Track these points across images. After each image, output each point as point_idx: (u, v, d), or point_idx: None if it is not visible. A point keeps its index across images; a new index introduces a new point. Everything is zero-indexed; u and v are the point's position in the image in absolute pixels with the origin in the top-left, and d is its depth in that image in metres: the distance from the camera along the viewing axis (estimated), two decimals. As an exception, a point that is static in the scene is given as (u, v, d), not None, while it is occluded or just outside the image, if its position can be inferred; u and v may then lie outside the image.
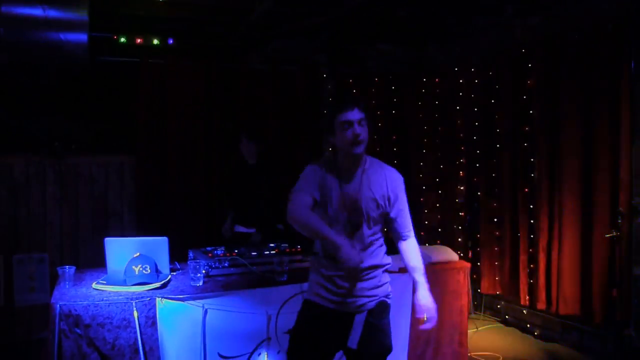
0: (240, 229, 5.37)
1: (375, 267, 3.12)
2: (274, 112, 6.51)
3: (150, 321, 3.52)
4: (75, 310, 3.41)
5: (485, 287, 6.30)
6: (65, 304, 3.41)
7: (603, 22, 4.90)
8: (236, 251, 4.07)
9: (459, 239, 6.69)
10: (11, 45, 4.77)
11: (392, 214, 3.14)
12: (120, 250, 3.81)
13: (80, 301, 3.45)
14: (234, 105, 6.37)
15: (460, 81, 6.61)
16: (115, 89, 5.88)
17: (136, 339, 3.50)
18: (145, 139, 6.01)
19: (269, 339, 3.74)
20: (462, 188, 6.68)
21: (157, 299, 3.52)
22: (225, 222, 5.46)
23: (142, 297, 3.53)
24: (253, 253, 4.11)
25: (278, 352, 3.79)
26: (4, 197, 5.49)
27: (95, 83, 5.74)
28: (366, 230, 3.06)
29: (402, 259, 3.31)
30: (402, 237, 3.26)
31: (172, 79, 6.04)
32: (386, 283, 3.19)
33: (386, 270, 3.23)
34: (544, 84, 5.49)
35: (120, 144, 6.00)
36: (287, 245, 4.36)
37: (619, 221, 4.72)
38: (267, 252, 4.19)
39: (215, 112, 6.28)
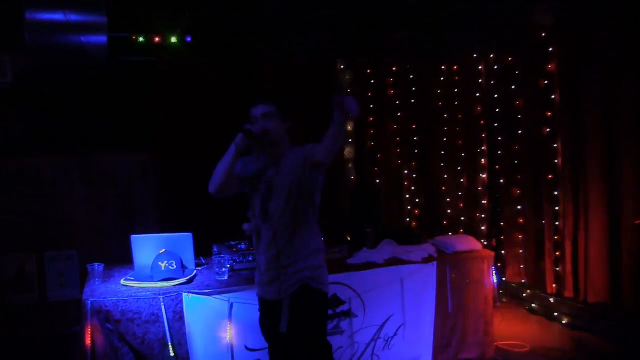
0: None
1: (300, 249, 3.11)
2: (293, 105, 6.52)
3: (177, 316, 3.60)
4: (106, 307, 3.49)
5: (510, 275, 6.28)
6: (96, 301, 3.50)
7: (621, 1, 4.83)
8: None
9: (482, 228, 6.67)
10: (35, 49, 4.89)
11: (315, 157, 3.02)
12: (147, 247, 3.88)
13: (110, 297, 3.53)
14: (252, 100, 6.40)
15: (479, 68, 6.56)
16: (136, 88, 5.95)
17: (165, 333, 3.57)
18: (166, 136, 6.09)
19: (294, 331, 3.79)
20: (484, 176, 6.64)
21: (184, 294, 3.59)
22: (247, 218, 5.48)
23: (169, 293, 3.60)
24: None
25: (304, 344, 3.84)
26: (33, 197, 5.60)
27: (116, 82, 5.81)
28: (284, 217, 3.10)
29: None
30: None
31: (190, 76, 6.10)
32: (312, 267, 3.11)
33: (318, 251, 3.18)
34: (565, 68, 5.43)
35: (143, 141, 6.07)
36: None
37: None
38: (291, 245, 4.23)
39: (233, 108, 6.32)
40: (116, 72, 5.69)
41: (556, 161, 5.57)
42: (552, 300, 5.68)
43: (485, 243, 6.41)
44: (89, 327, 3.48)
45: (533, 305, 5.95)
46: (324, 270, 3.17)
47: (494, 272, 4.73)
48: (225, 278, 3.79)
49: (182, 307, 3.59)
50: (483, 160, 6.63)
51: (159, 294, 3.58)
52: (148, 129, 6.06)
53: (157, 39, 5.78)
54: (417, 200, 7.21)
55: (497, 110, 6.34)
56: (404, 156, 7.11)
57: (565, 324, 5.50)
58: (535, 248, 5.91)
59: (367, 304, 4.08)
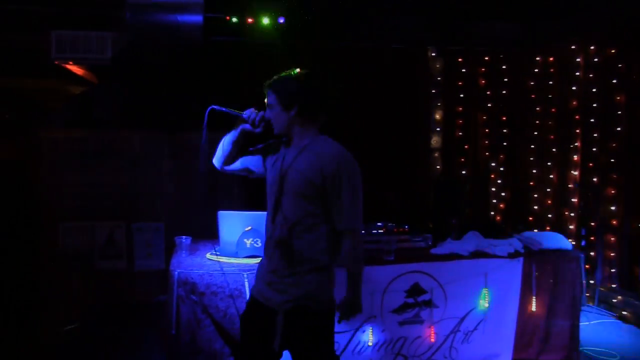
0: None
1: (300, 261, 2.71)
2: (379, 91, 6.46)
3: (260, 293, 3.65)
4: (192, 278, 3.59)
5: (599, 279, 5.99)
6: (182, 272, 3.60)
7: None
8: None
9: (571, 227, 6.40)
10: (135, 28, 5.09)
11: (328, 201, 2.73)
12: (233, 223, 3.95)
13: (197, 270, 3.63)
14: (339, 84, 6.39)
15: (578, 60, 6.26)
16: (227, 68, 6.06)
17: (247, 309, 3.63)
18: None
19: (374, 316, 3.78)
20: (575, 173, 6.36)
21: (267, 272, 3.63)
22: None
23: (253, 269, 3.64)
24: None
25: (383, 330, 3.83)
26: (125, 169, 5.83)
27: (208, 62, 5.93)
28: (292, 213, 2.72)
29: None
30: (336, 230, 2.77)
31: (281, 57, 6.13)
32: (314, 284, 2.71)
33: (320, 270, 2.73)
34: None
35: (231, 120, 6.17)
36: (394, 224, 4.36)
37: None
38: (375, 231, 4.21)
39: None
40: (209, 51, 5.81)
41: (658, 161, 5.27)
42: (645, 308, 5.39)
43: (574, 243, 6.15)
44: (175, 296, 3.59)
45: (624, 312, 5.64)
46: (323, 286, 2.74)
47: (583, 274, 4.53)
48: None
49: (264, 285, 3.64)
50: (575, 156, 6.35)
51: (243, 270, 3.64)
52: (236, 107, 6.14)
53: (249, 20, 5.84)
54: (503, 194, 7.01)
55: (595, 105, 6.04)
56: (491, 148, 6.92)
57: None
58: (630, 252, 5.62)
59: (449, 295, 4.00)
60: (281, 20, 5.92)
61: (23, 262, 5.70)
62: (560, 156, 6.61)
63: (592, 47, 6.08)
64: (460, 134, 6.84)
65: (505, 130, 6.96)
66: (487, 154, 6.93)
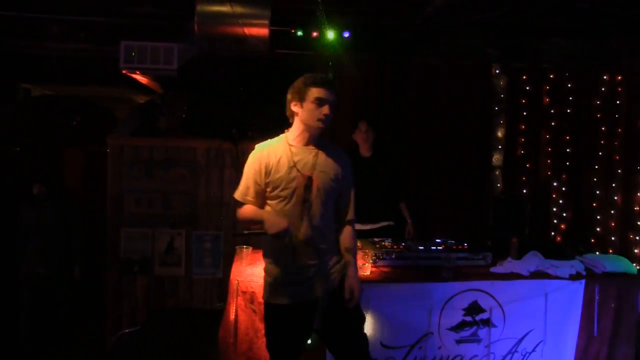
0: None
1: (329, 249, 3.10)
2: (442, 106, 6.43)
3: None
4: (251, 288, 3.65)
5: (664, 304, 5.79)
6: (242, 281, 3.67)
7: None
8: (403, 244, 4.11)
9: (635, 250, 6.21)
10: (202, 39, 5.24)
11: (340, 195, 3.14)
12: (292, 235, 4.00)
13: (256, 280, 3.68)
14: (402, 98, 6.40)
15: (649, 79, 6.10)
16: (292, 81, 6.13)
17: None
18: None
19: (431, 333, 3.76)
20: (641, 195, 6.18)
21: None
22: None
23: (311, 281, 3.68)
24: (420, 247, 4.14)
25: (439, 348, 3.79)
26: (187, 178, 5.97)
27: (273, 74, 6.02)
28: (320, 209, 3.02)
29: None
30: (342, 221, 3.19)
31: (345, 71, 6.19)
32: (340, 264, 3.14)
33: (338, 252, 3.20)
34: None
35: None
36: (454, 242, 4.33)
37: None
38: (434, 248, 4.20)
39: (384, 105, 6.35)
40: (274, 64, 5.91)
41: None
42: None
43: (638, 267, 5.95)
44: (234, 305, 3.66)
45: (688, 340, 5.44)
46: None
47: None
48: (367, 273, 3.83)
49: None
50: (642, 178, 6.17)
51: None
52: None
53: (314, 34, 5.91)
54: (565, 214, 6.84)
55: (663, 125, 5.87)
56: (554, 167, 6.76)
57: None
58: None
59: (508, 315, 3.94)
60: (346, 35, 5.97)
61: (88, 266, 5.92)
62: (625, 177, 6.42)
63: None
64: (522, 152, 6.71)
65: (568, 150, 6.80)
66: (549, 173, 6.78)
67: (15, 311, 5.72)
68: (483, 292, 3.88)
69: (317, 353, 3.53)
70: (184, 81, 6.10)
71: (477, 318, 3.88)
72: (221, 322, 3.73)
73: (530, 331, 4.03)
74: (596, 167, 6.76)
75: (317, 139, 3.12)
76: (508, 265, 4.13)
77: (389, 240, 4.27)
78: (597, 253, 5.69)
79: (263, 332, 3.65)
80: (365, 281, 3.69)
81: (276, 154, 3.07)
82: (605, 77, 6.69)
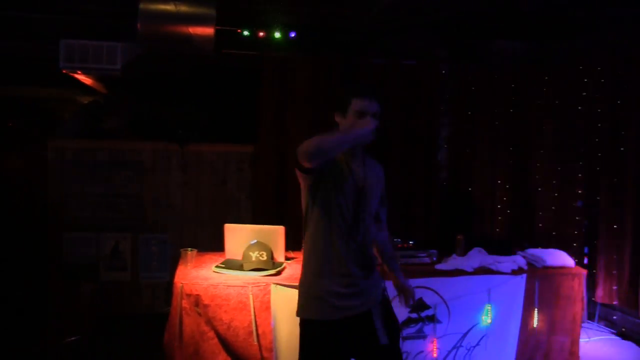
0: None
1: (372, 257, 3.01)
2: (390, 106, 6.49)
3: (264, 306, 3.69)
4: (196, 291, 3.62)
5: (600, 296, 6.00)
6: (187, 284, 3.63)
7: None
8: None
9: (574, 244, 6.40)
10: (146, 38, 5.14)
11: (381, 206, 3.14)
12: (239, 236, 4.00)
13: (201, 282, 3.66)
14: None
15: (585, 80, 6.29)
16: (238, 81, 6.10)
17: (251, 321, 3.66)
18: (265, 130, 6.14)
19: (377, 331, 3.79)
20: (580, 191, 6.38)
21: (272, 285, 3.67)
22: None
23: (258, 283, 3.68)
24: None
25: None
26: (132, 180, 5.88)
27: (219, 75, 5.97)
28: (368, 220, 2.93)
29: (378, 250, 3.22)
30: (381, 228, 3.22)
31: (292, 72, 6.18)
32: (379, 272, 3.08)
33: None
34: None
35: (241, 133, 6.22)
36: (399, 240, 4.39)
37: None
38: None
39: (333, 105, 6.36)
40: (220, 64, 5.86)
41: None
42: (645, 326, 5.43)
43: (577, 260, 6.16)
44: (179, 308, 3.62)
45: (623, 329, 5.68)
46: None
47: (585, 291, 4.56)
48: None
49: (269, 298, 3.67)
50: (580, 174, 6.37)
51: (248, 283, 3.67)
52: (247, 121, 6.19)
53: (261, 34, 5.88)
54: (509, 211, 7.02)
55: (599, 125, 6.07)
56: (498, 165, 6.93)
57: (658, 352, 5.24)
58: (631, 269, 5.63)
59: (453, 310, 4.03)
60: (292, 35, 5.96)
61: (28, 272, 5.74)
62: (565, 175, 6.62)
63: (598, 68, 6.11)
64: (467, 150, 6.85)
65: (512, 148, 6.97)
66: (494, 171, 6.94)
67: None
68: (428, 289, 3.96)
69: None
70: (129, 81, 5.99)
71: (423, 315, 3.95)
72: (166, 327, 3.68)
73: (474, 326, 4.13)
74: (538, 164, 6.95)
75: (362, 150, 2.98)
76: (453, 262, 4.22)
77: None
78: (540, 248, 5.85)
79: (209, 334, 3.64)
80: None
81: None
82: (546, 78, 6.88)
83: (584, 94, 6.29)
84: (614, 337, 5.68)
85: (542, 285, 4.30)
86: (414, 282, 3.85)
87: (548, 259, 4.46)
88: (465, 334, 4.10)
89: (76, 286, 5.70)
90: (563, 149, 6.65)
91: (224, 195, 6.14)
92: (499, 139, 6.94)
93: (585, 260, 6.24)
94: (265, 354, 3.71)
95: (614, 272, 5.85)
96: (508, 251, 4.59)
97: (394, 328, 2.96)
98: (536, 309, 4.29)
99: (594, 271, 6.05)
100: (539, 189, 6.92)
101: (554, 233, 6.72)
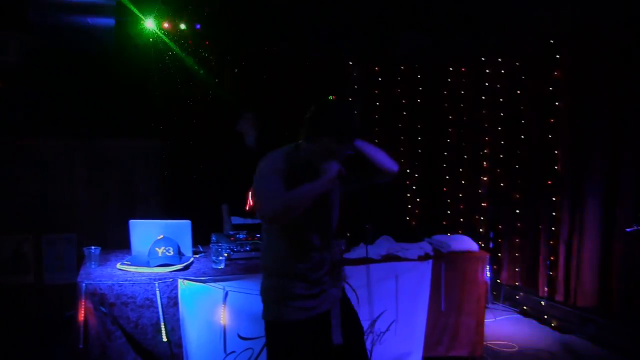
0: (238, 220, 4.81)
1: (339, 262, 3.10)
2: (297, 99, 6.50)
3: (172, 302, 3.61)
4: (100, 289, 3.51)
5: (505, 277, 6.30)
6: (90, 283, 3.51)
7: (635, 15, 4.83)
8: (258, 235, 4.12)
9: (481, 230, 6.68)
10: (39, 28, 4.89)
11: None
12: (145, 233, 3.90)
13: (105, 280, 3.55)
14: (258, 92, 6.39)
15: (487, 71, 6.55)
16: (142, 74, 5.92)
17: (158, 318, 3.59)
18: (170, 123, 6.03)
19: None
20: (485, 179, 6.65)
21: (179, 281, 3.61)
22: (223, 220, 5.00)
23: (164, 278, 3.61)
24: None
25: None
26: (34, 178, 5.61)
27: (122, 67, 5.78)
28: (334, 226, 2.99)
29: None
30: None
31: (197, 64, 6.08)
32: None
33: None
34: (572, 76, 5.44)
35: (146, 128, 6.04)
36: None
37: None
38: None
39: (238, 98, 6.31)
40: (122, 56, 5.67)
41: (556, 167, 5.59)
42: (543, 303, 5.74)
43: (483, 245, 6.43)
44: (83, 309, 3.50)
45: (525, 307, 5.99)
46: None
47: (488, 273, 4.76)
48: (222, 266, 3.81)
49: (176, 293, 3.61)
50: (485, 163, 6.64)
51: (155, 279, 3.59)
52: (153, 115, 6.04)
53: (165, 25, 5.74)
54: (419, 199, 7.22)
55: (502, 114, 6.34)
56: (407, 155, 7.11)
57: (555, 326, 5.56)
58: (531, 252, 5.95)
59: (361, 298, 4.10)
60: (198, 27, 5.86)
61: None
62: (471, 163, 6.89)
63: (499, 60, 6.38)
64: (376, 141, 6.92)
65: (420, 138, 7.17)
66: (403, 160, 7.11)
67: None
68: (336, 277, 4.00)
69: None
70: (27, 74, 5.70)
71: (332, 303, 3.99)
72: (72, 329, 3.55)
73: (383, 312, 4.23)
74: (445, 153, 7.19)
75: None
76: (360, 251, 4.29)
77: (244, 233, 4.26)
78: (448, 234, 6.05)
79: (116, 334, 3.54)
80: (221, 276, 3.70)
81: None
82: (450, 69, 7.12)
83: (487, 84, 6.54)
84: (517, 315, 5.99)
85: (447, 270, 4.45)
86: (322, 271, 3.92)
87: (453, 244, 4.61)
88: (374, 321, 4.19)
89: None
90: (469, 138, 6.91)
91: (132, 191, 5.97)
92: (407, 129, 7.12)
93: (491, 245, 6.51)
94: (176, 350, 3.65)
95: (516, 254, 6.16)
96: (415, 238, 4.71)
97: (353, 328, 2.95)
98: (443, 293, 4.43)
99: (499, 254, 6.34)
100: (447, 177, 7.17)
101: (462, 220, 6.98)
